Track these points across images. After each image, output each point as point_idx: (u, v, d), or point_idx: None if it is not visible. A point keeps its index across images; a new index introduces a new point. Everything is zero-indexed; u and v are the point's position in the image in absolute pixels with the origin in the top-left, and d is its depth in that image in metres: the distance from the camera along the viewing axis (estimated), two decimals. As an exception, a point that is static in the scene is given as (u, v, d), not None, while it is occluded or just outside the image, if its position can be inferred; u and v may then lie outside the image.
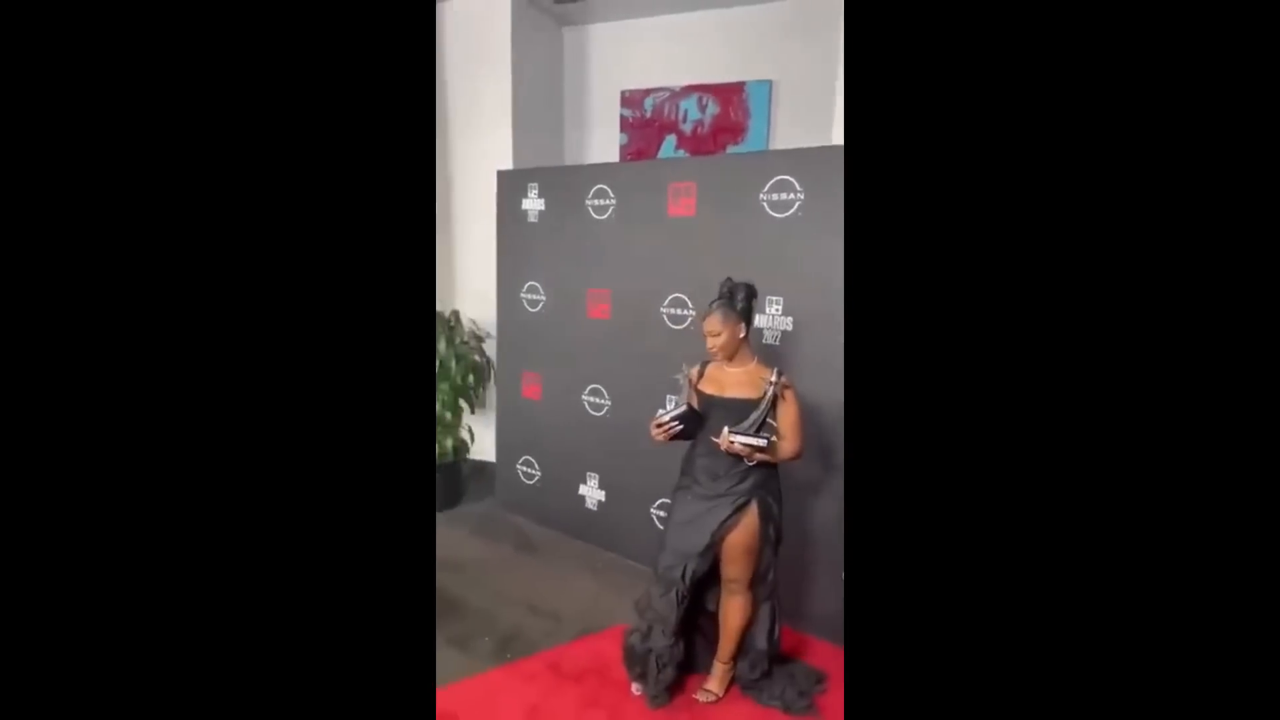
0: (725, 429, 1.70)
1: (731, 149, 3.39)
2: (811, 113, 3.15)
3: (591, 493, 2.95)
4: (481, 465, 3.53)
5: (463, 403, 3.22)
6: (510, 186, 3.04)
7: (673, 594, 1.80)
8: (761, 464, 1.75)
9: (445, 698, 1.87)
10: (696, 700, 1.90)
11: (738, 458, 1.73)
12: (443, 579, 2.57)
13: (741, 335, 1.77)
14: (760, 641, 1.88)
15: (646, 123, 3.56)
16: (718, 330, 1.75)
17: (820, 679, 2.01)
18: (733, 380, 1.80)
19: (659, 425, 1.78)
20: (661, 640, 1.82)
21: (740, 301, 1.76)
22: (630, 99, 3.57)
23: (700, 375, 1.86)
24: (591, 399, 2.90)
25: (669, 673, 1.85)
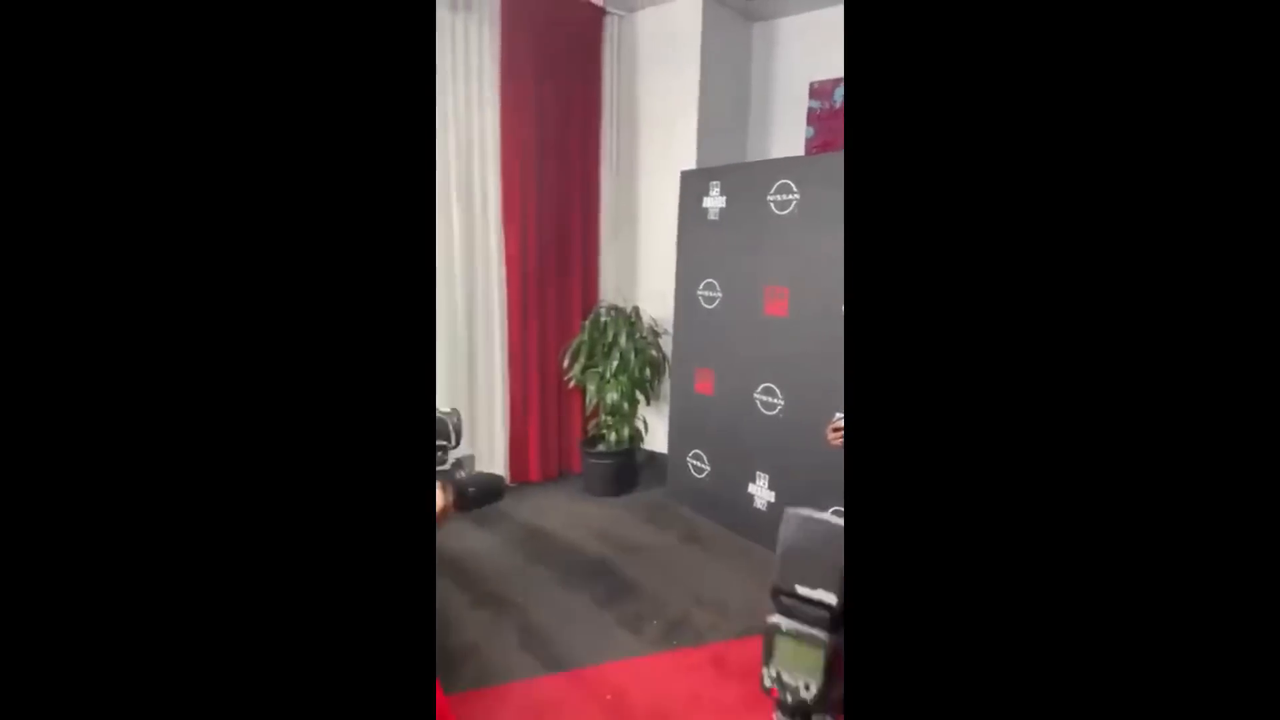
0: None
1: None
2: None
3: (761, 492, 2.92)
4: (653, 455, 3.66)
5: (639, 394, 3.37)
6: (692, 186, 3.09)
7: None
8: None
9: (615, 672, 1.98)
10: None
11: None
12: (619, 560, 2.72)
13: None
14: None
15: (835, 114, 3.41)
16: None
17: None
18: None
19: (836, 429, 1.71)
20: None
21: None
22: (819, 90, 3.44)
23: None
24: (764, 398, 2.86)
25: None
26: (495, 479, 0.92)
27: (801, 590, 0.55)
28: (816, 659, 0.54)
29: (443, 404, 0.92)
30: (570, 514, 3.20)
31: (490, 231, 3.16)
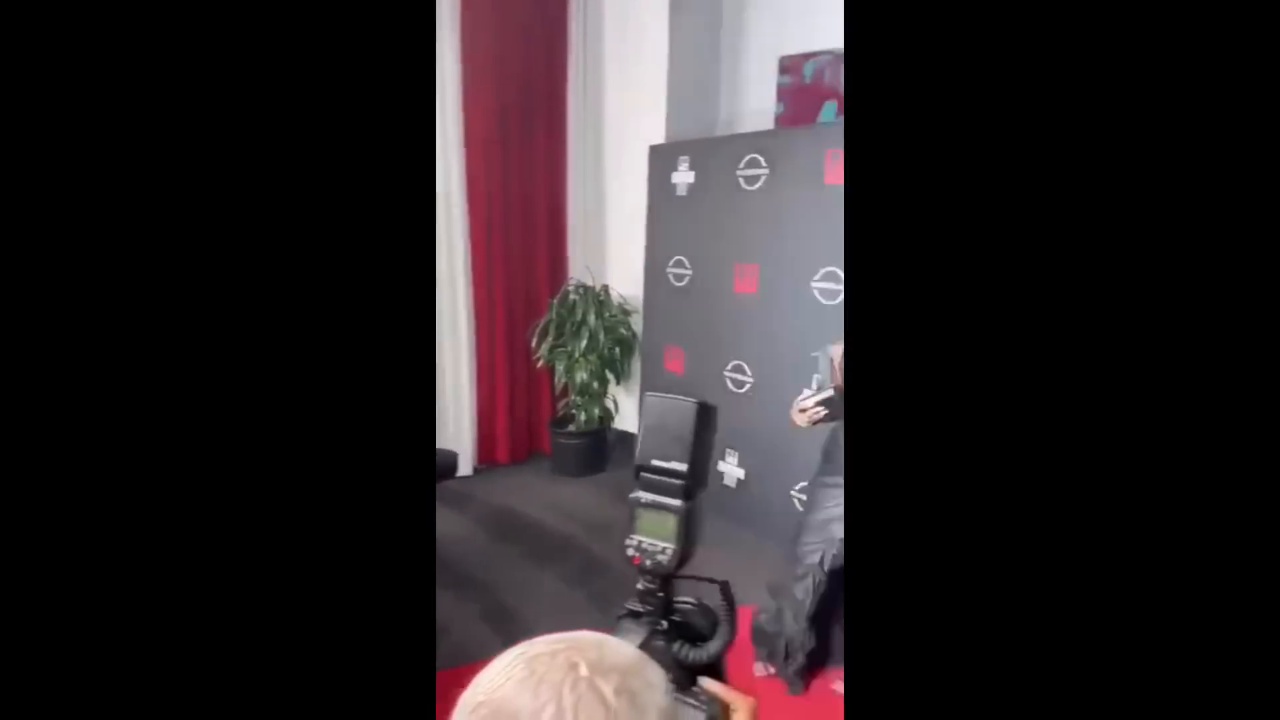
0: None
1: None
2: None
3: (730, 470, 2.93)
4: (624, 435, 3.64)
5: (609, 374, 3.34)
6: (661, 161, 3.05)
7: (809, 579, 1.74)
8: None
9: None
10: (835, 691, 1.83)
11: None
12: (589, 539, 2.71)
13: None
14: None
15: (805, 89, 3.38)
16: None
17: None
18: (888, 360, 1.67)
19: (802, 409, 1.71)
20: (793, 625, 1.77)
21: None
22: (789, 65, 3.41)
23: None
24: (734, 375, 2.86)
25: (799, 659, 1.80)
26: (447, 454, 0.91)
27: (656, 463, 0.61)
28: (670, 525, 0.60)
29: None
30: (540, 495, 3.17)
31: (453, 207, 3.07)
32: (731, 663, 1.76)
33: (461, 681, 0.43)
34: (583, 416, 3.37)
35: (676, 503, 0.62)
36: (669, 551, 0.61)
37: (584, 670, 0.41)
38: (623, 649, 0.46)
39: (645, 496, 0.63)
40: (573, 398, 3.38)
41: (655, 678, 0.45)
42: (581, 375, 3.25)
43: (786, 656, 1.80)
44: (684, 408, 0.62)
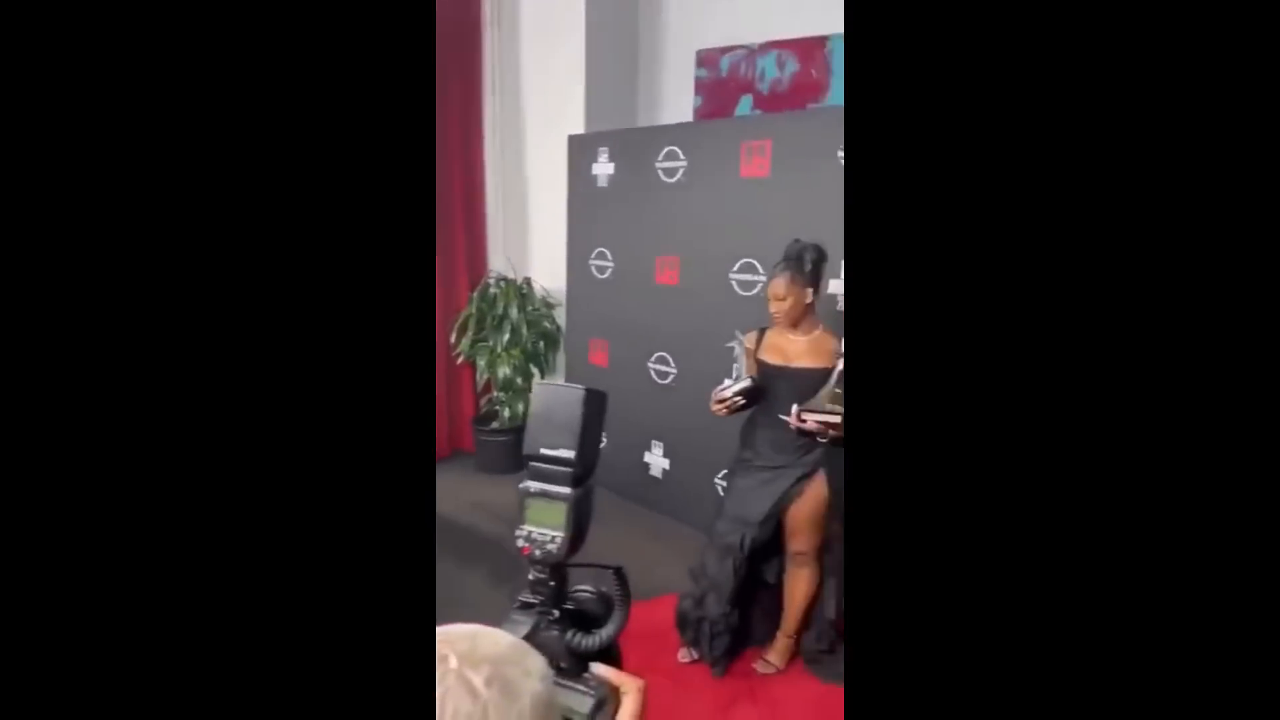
0: (795, 407, 1.63)
1: (811, 108, 3.22)
2: (900, 65, 2.92)
3: (656, 460, 2.95)
4: (551, 430, 3.60)
5: (533, 368, 3.29)
6: (580, 151, 3.02)
7: (729, 562, 1.77)
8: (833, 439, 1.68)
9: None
10: (756, 671, 1.88)
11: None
12: (509, 540, 2.65)
13: (809, 300, 1.68)
14: (829, 612, 1.83)
15: (722, 83, 3.43)
16: (783, 295, 1.67)
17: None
18: (797, 349, 1.71)
19: (719, 401, 1.73)
20: (715, 608, 1.80)
21: (809, 264, 1.67)
22: (706, 59, 3.45)
23: (759, 342, 1.79)
24: (658, 367, 2.88)
25: (723, 641, 1.83)
26: None
27: (545, 451, 0.61)
28: (560, 513, 0.60)
29: None
30: (463, 493, 3.08)
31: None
32: (656, 649, 1.78)
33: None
34: (506, 413, 3.30)
35: (566, 491, 0.60)
36: (558, 540, 0.60)
37: (453, 662, 0.41)
38: (498, 639, 0.45)
39: (534, 486, 0.61)
40: (495, 394, 3.30)
41: (533, 666, 0.44)
42: (504, 370, 3.18)
43: (712, 639, 1.83)
44: (572, 395, 0.61)
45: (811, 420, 1.60)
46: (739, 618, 1.86)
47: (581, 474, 0.61)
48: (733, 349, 1.83)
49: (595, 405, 0.61)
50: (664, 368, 2.86)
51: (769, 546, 1.82)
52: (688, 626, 1.88)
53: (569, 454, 0.60)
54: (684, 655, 1.91)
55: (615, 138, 2.95)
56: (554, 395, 0.62)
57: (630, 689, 0.56)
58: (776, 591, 1.88)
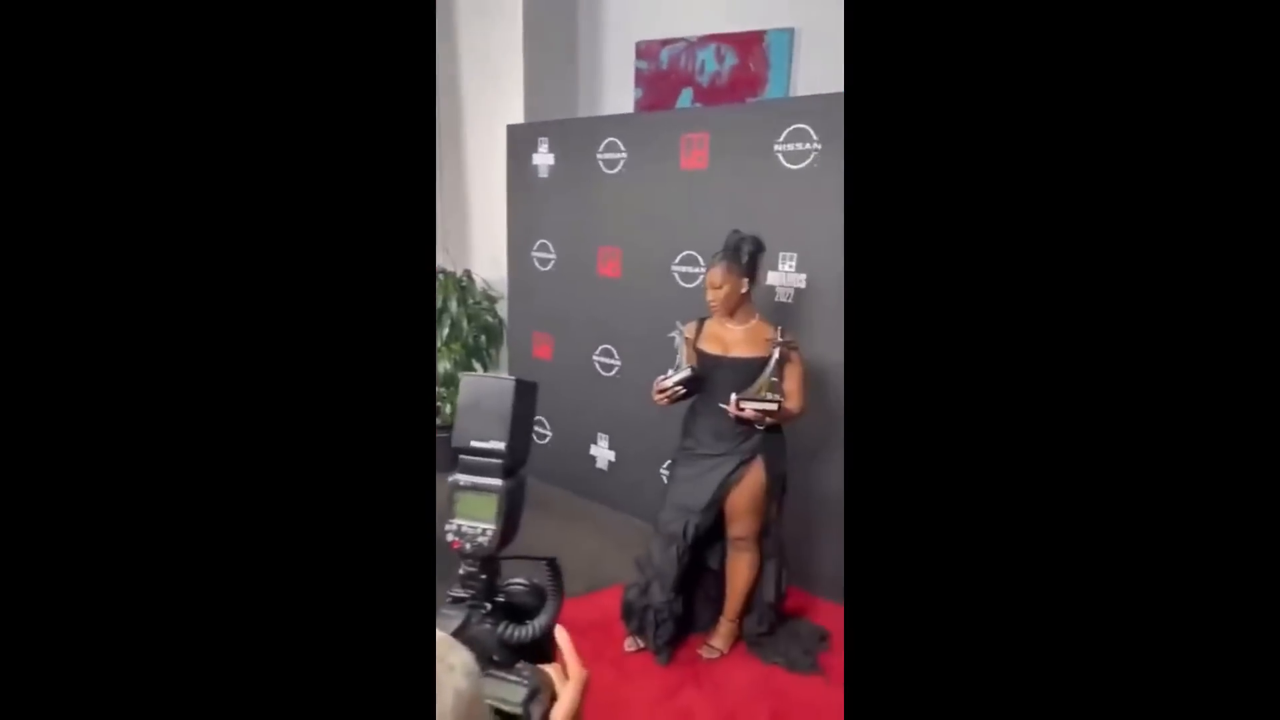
0: (734, 396, 1.66)
1: (750, 102, 3.26)
2: (835, 64, 2.99)
3: (602, 453, 2.95)
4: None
5: (475, 363, 3.23)
6: (520, 141, 2.97)
7: (673, 550, 1.79)
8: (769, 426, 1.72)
9: (451, 647, 1.90)
10: (700, 657, 1.91)
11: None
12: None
13: (744, 290, 1.71)
14: (768, 595, 1.87)
15: (662, 76, 3.44)
16: (719, 283, 1.69)
17: (824, 636, 2.00)
18: (735, 338, 1.75)
19: (660, 391, 1.75)
20: (660, 596, 1.82)
21: (746, 255, 1.70)
22: (646, 51, 3.45)
23: (698, 333, 1.81)
24: (602, 359, 2.87)
25: (668, 628, 1.85)
26: None
27: (475, 444, 0.61)
28: (491, 506, 0.60)
29: None
30: (404, 492, 3.00)
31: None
32: (603, 640, 1.78)
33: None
34: (449, 408, 3.23)
35: (496, 482, 0.60)
36: (489, 533, 0.59)
37: None
38: None
39: (464, 479, 0.60)
40: (437, 389, 3.23)
41: (457, 660, 0.43)
42: (445, 365, 3.11)
43: (657, 628, 1.85)
44: (501, 386, 0.60)
45: (749, 409, 1.63)
46: (683, 605, 1.88)
47: (512, 465, 0.60)
48: (674, 339, 1.85)
49: (526, 396, 0.61)
50: (609, 360, 2.86)
51: (712, 533, 1.85)
52: (633, 616, 1.89)
53: (499, 445, 0.59)
54: (630, 644, 1.93)
55: (555, 128, 2.92)
56: (483, 387, 0.61)
57: (572, 678, 0.56)
58: (720, 577, 1.92)
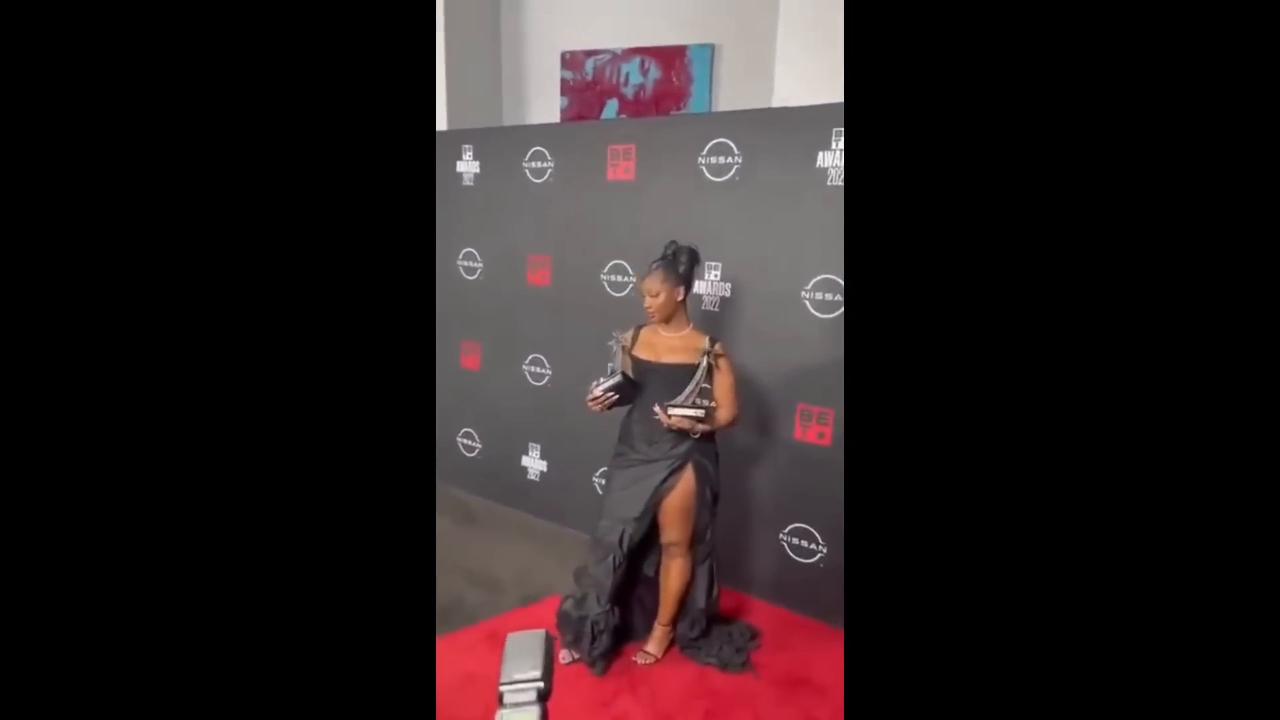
0: (657, 406, 1.69)
1: (674, 115, 3.33)
2: (753, 78, 3.11)
3: (533, 463, 2.92)
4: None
5: (399, 375, 3.12)
6: (443, 149, 2.91)
7: (609, 560, 1.80)
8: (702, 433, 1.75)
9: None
10: (635, 663, 1.92)
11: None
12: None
13: (680, 299, 1.75)
14: (699, 601, 1.91)
15: (588, 86, 3.46)
16: (656, 291, 1.73)
17: (755, 635, 2.06)
18: (668, 345, 1.78)
19: (593, 398, 1.75)
20: (596, 607, 1.82)
21: (683, 265, 1.74)
22: (571, 61, 3.46)
23: (634, 340, 1.84)
24: (532, 368, 2.85)
25: (604, 640, 1.85)
26: None
27: (517, 676, 0.76)
28: (532, 715, 0.74)
29: None
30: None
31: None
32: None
33: None
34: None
35: (537, 706, 0.72)
36: None
37: None
38: None
39: (509, 700, 0.74)
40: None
41: None
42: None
43: (593, 639, 1.84)
44: (536, 637, 0.80)
45: (676, 416, 1.67)
46: (619, 615, 1.89)
47: (548, 688, 0.76)
48: (611, 347, 1.86)
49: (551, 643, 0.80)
50: (539, 369, 2.83)
51: (647, 541, 1.87)
52: (568, 628, 1.88)
53: (535, 674, 0.75)
54: (565, 657, 1.91)
55: (480, 136, 2.88)
56: (522, 640, 0.79)
57: None
58: (655, 584, 1.94)
